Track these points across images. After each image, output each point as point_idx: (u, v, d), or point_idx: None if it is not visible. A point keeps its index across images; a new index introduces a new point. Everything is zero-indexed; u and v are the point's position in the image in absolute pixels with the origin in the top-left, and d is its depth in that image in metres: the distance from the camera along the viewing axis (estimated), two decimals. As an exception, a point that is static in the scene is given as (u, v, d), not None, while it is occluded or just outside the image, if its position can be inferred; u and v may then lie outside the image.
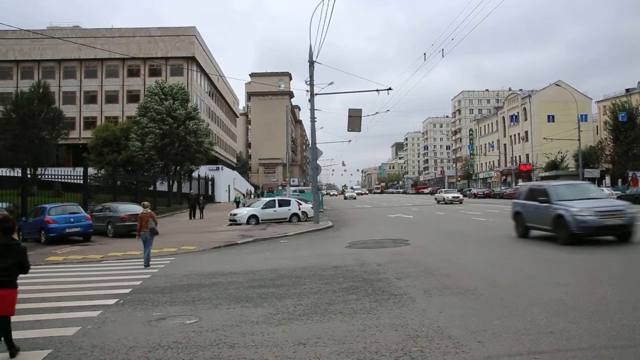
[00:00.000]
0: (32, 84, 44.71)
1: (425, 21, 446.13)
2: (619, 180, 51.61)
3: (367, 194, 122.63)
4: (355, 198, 73.71)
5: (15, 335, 6.53)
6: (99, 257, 15.38)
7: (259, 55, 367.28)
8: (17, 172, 26.14)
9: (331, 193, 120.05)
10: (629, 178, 47.68)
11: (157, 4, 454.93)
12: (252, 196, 68.45)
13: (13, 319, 5.91)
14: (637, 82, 75.09)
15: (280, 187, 68.20)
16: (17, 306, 7.35)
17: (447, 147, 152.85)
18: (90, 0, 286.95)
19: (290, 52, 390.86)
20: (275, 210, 27.69)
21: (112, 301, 8.65)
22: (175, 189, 43.61)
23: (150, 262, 13.24)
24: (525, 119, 78.52)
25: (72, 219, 19.79)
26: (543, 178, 67.21)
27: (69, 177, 28.86)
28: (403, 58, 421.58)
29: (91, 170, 33.68)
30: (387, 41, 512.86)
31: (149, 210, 14.44)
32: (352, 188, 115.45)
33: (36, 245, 19.28)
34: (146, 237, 13.46)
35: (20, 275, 6.07)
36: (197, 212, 33.43)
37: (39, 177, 36.21)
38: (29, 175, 29.49)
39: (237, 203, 40.23)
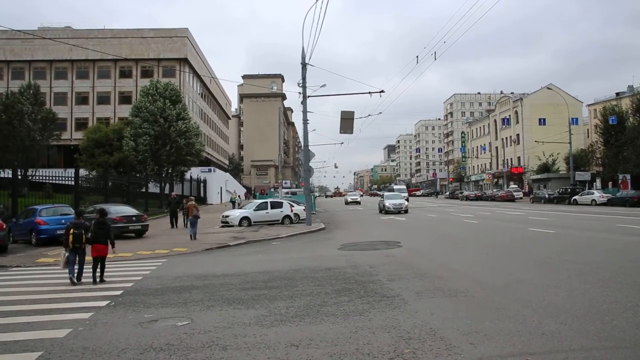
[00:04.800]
0: (22, 84, 44.42)
1: (414, 28, 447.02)
2: (610, 183, 51.94)
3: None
4: (406, 210, 36.49)
5: (6, 337, 6.52)
6: (90, 259, 15.25)
7: (252, 61, 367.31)
8: (8, 173, 25.98)
9: (350, 199, 64.48)
10: (619, 181, 48.01)
11: (154, 11, 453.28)
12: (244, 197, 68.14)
13: (5, 320, 7.47)
14: (627, 86, 75.68)
15: (272, 189, 68.10)
16: (8, 308, 8.19)
17: (439, 149, 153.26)
18: (87, 7, 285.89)
19: (282, 57, 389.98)
20: (267, 212, 27.67)
21: (103, 303, 8.61)
22: (167, 191, 43.45)
23: (190, 236, 17.61)
24: (517, 122, 78.93)
25: (63, 221, 19.50)
26: (534, 181, 67.66)
27: (60, 178, 28.70)
28: (394, 63, 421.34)
29: (83, 172, 33.52)
30: (379, 47, 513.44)
31: (193, 202, 21.73)
32: (394, 186, 71.35)
33: (27, 246, 19.15)
34: (192, 221, 20.49)
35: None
36: (181, 218, 27.01)
37: (30, 178, 35.94)
38: (19, 177, 29.30)
39: (233, 203, 40.52)
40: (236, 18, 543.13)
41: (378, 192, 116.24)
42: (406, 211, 36.25)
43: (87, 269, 11.03)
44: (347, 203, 61.52)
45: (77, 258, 10.83)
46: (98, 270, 10.86)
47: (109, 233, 11.11)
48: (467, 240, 17.36)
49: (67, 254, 10.76)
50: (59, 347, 6.10)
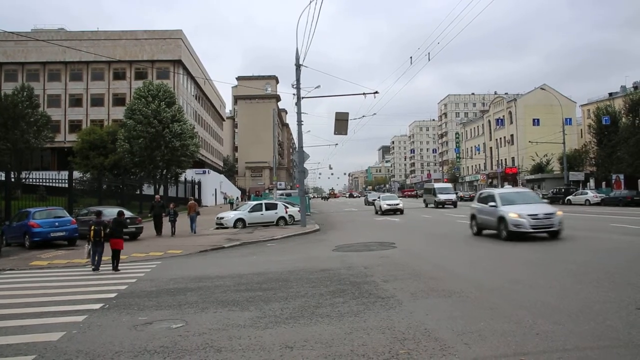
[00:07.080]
0: (16, 86, 44.20)
1: (408, 31, 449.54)
2: (603, 183, 52.17)
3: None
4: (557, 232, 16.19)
5: (-2, 340, 6.47)
6: (84, 262, 15.17)
7: (247, 64, 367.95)
8: (1, 176, 25.83)
9: (386, 205, 36.86)
10: (613, 181, 48.24)
11: (152, 16, 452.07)
12: (240, 199, 68.06)
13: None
14: (619, 86, 76.04)
15: (267, 191, 68.05)
16: (0, 311, 7.64)
17: (433, 150, 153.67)
18: (84, 13, 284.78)
19: (277, 60, 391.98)
20: (262, 214, 27.63)
21: (97, 306, 8.57)
22: (161, 193, 43.35)
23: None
24: (511, 123, 79.21)
25: (57, 223, 19.55)
26: (529, 181, 67.89)
27: (54, 180, 28.63)
28: (388, 66, 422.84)
29: (76, 174, 33.37)
30: (372, 50, 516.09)
31: (194, 202, 26.10)
32: (435, 185, 51.04)
33: (20, 249, 19.03)
34: (192, 217, 24.24)
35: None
36: (167, 225, 24.05)
37: (23, 180, 35.76)
38: (12, 179, 29.12)
39: (231, 204, 40.71)
40: (232, 22, 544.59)
41: (440, 185, 52.88)
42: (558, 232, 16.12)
43: (106, 265, 13.15)
44: (381, 212, 36.85)
45: (97, 250, 13.04)
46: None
47: (123, 230, 14.14)
48: (461, 241, 17.38)
49: (89, 247, 13.20)
50: (52, 351, 6.06)
